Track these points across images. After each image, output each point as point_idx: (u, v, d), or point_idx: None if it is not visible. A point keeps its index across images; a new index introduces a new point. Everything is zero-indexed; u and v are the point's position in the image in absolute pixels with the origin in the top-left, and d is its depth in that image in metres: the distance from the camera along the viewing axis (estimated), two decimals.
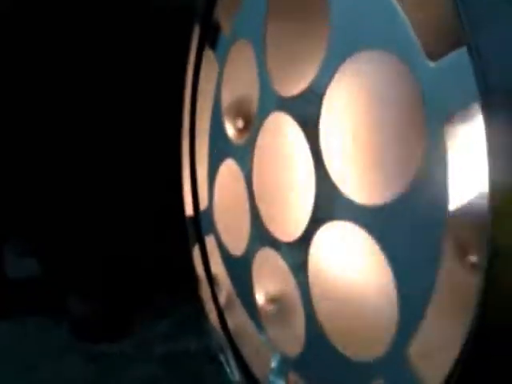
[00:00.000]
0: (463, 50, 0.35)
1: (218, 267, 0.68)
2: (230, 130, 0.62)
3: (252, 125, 0.58)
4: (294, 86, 0.49)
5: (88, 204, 0.95)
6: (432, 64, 0.37)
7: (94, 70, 0.89)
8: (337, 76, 0.44)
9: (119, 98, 0.90)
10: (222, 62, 0.63)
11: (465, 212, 0.37)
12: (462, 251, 0.37)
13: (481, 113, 0.34)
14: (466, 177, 0.37)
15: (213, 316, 0.69)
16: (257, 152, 0.56)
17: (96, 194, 0.95)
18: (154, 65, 0.89)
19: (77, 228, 0.96)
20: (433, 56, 0.37)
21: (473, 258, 0.37)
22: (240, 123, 0.61)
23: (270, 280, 0.58)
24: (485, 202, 0.34)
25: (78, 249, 0.97)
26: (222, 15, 0.63)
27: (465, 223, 0.37)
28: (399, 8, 0.39)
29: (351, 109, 0.44)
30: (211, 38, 0.65)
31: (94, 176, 0.94)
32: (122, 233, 0.98)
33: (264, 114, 0.54)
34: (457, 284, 0.38)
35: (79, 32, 0.89)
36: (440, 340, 0.39)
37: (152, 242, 0.98)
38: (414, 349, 0.40)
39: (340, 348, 0.47)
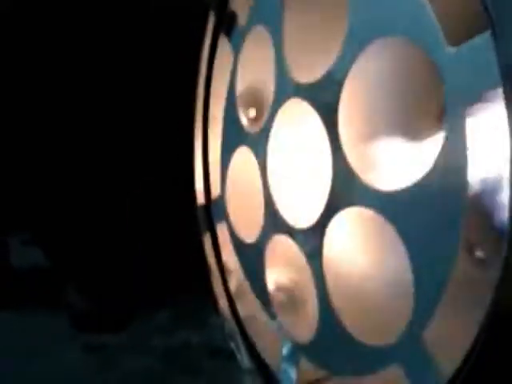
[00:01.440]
0: (486, 34, 0.35)
1: (229, 255, 0.68)
2: (244, 118, 0.62)
3: (266, 112, 0.58)
4: (312, 72, 0.49)
5: (92, 195, 0.95)
6: (453, 49, 0.37)
7: (102, 67, 0.90)
8: (356, 62, 0.44)
9: (133, 86, 0.90)
10: (237, 50, 0.63)
11: (482, 202, 0.37)
12: (470, 242, 0.37)
13: (503, 100, 0.34)
14: (486, 165, 0.37)
15: (223, 304, 0.69)
16: (272, 139, 0.56)
17: (100, 184, 0.95)
18: (168, 53, 0.89)
19: (80, 220, 0.96)
20: (454, 41, 0.37)
21: (478, 251, 0.37)
22: (253, 112, 0.61)
23: (282, 267, 0.58)
24: (504, 193, 0.34)
25: (80, 241, 0.98)
26: (238, 3, 0.63)
27: (480, 214, 0.37)
28: None
29: (370, 95, 0.44)
30: (226, 25, 0.65)
31: (99, 166, 0.94)
32: (123, 225, 0.98)
33: (280, 100, 0.54)
34: (469, 276, 0.38)
35: (90, 21, 0.89)
36: (455, 326, 0.39)
37: (154, 234, 0.98)
38: (430, 334, 0.40)
39: (354, 334, 0.47)
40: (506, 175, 0.34)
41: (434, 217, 0.40)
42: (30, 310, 0.97)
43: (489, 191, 0.36)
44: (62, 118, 0.92)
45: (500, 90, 0.34)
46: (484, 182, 0.37)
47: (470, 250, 0.37)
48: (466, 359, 0.37)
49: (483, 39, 0.35)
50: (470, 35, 0.36)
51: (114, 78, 0.90)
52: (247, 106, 0.62)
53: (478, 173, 0.37)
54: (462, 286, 0.38)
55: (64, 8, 0.88)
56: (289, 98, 0.53)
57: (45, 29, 0.88)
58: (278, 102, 0.55)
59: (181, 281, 0.95)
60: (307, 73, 0.50)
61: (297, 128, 0.52)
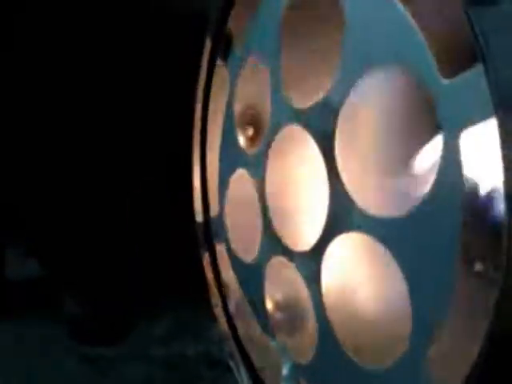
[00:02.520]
0: (478, 68, 0.36)
1: (228, 274, 0.69)
2: (242, 139, 0.63)
3: (264, 135, 0.58)
4: (309, 98, 0.50)
5: (90, 207, 0.95)
6: (446, 81, 0.38)
7: (102, 69, 0.90)
8: (352, 90, 0.45)
9: (128, 94, 0.90)
10: (234, 73, 0.64)
11: (479, 224, 0.38)
12: (473, 259, 0.38)
13: (496, 131, 0.35)
14: (481, 191, 0.38)
15: (223, 322, 0.69)
16: (270, 163, 0.57)
17: (99, 195, 0.95)
18: (165, 73, 0.90)
19: (78, 230, 0.96)
20: (447, 73, 0.38)
21: (479, 267, 0.38)
22: (251, 132, 0.62)
23: (281, 288, 0.58)
24: (500, 215, 0.35)
25: (78, 249, 0.98)
26: (234, 27, 0.64)
27: (478, 234, 0.38)
28: (414, 25, 0.40)
29: (366, 123, 0.45)
30: (223, 50, 0.66)
31: (96, 179, 0.95)
32: (122, 236, 0.98)
33: (277, 125, 0.55)
34: (469, 293, 0.39)
35: (89, 32, 0.89)
36: (455, 347, 0.40)
37: (151, 242, 0.99)
38: (429, 356, 0.41)
39: (353, 357, 0.48)
40: (501, 200, 0.35)
41: (431, 239, 0.41)
42: (27, 321, 0.97)
43: (485, 210, 0.37)
44: (60, 123, 0.92)
45: (493, 120, 0.35)
46: (480, 202, 0.38)
47: (469, 267, 0.38)
48: (468, 380, 0.38)
49: (476, 71, 0.36)
50: (462, 68, 0.37)
51: (113, 84, 0.90)
52: (245, 126, 0.63)
53: (472, 198, 0.38)
54: (463, 304, 0.39)
55: (63, 11, 0.88)
56: (285, 123, 0.54)
57: (44, 30, 0.89)
58: (275, 126, 0.55)
59: (179, 291, 0.95)
60: (304, 98, 0.51)
61: (294, 153, 0.53)
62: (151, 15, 0.91)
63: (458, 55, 0.37)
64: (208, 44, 0.66)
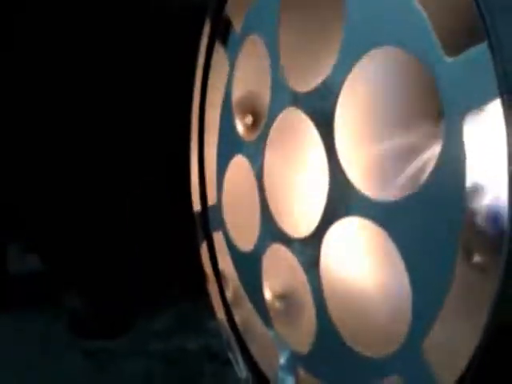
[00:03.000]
0: (483, 45, 0.35)
1: (225, 263, 0.68)
2: (240, 126, 0.62)
3: (263, 121, 0.58)
4: (308, 82, 0.49)
5: (90, 201, 0.95)
6: (450, 59, 0.37)
7: (101, 68, 0.90)
8: (352, 73, 0.44)
9: (128, 93, 0.90)
10: (232, 58, 0.63)
11: (480, 214, 0.37)
12: (469, 251, 0.37)
13: (500, 110, 0.34)
14: (484, 175, 0.37)
15: (220, 312, 0.69)
16: (268, 148, 0.56)
17: (98, 189, 0.95)
18: (164, 60, 0.89)
19: (78, 225, 0.96)
20: (451, 51, 0.37)
21: (477, 259, 0.37)
22: (249, 119, 0.61)
23: (279, 276, 0.58)
24: (504, 203, 0.34)
25: (78, 245, 0.97)
26: (233, 10, 0.63)
27: (479, 225, 0.37)
28: (417, 4, 0.39)
29: (366, 106, 0.44)
30: (222, 33, 0.65)
31: (96, 173, 0.94)
32: (122, 230, 0.98)
33: (276, 110, 0.54)
34: (468, 283, 0.38)
35: (86, 24, 0.89)
36: (455, 336, 0.39)
37: (151, 239, 0.98)
38: (428, 345, 0.40)
39: (352, 344, 0.47)
40: (505, 181, 0.34)
41: (431, 226, 0.40)
42: (28, 316, 0.96)
43: (487, 197, 0.36)
44: (60, 122, 0.92)
45: (497, 100, 0.34)
46: (482, 188, 0.37)
47: (469, 256, 0.37)
48: (467, 369, 0.37)
49: (480, 50, 0.35)
50: (467, 46, 0.36)
51: (112, 82, 0.90)
52: (244, 113, 0.62)
53: (476, 180, 0.37)
54: (462, 294, 0.38)
55: (62, 11, 0.88)
56: (285, 106, 0.53)
57: (44, 30, 0.88)
58: (274, 111, 0.54)
59: (179, 285, 0.95)
60: (303, 82, 0.50)
61: (293, 137, 0.52)
62: (149, 9, 0.90)
63: (463, 33, 0.36)
64: (207, 27, 0.65)
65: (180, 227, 0.76)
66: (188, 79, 0.70)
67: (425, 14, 0.38)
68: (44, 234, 1.00)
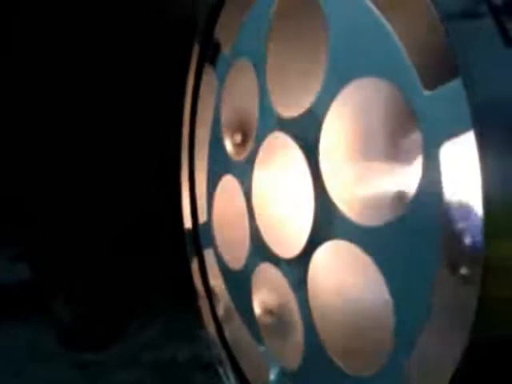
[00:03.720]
0: (458, 80, 0.36)
1: (216, 280, 0.69)
2: (229, 145, 0.64)
3: (251, 142, 0.59)
4: (294, 107, 0.50)
5: (81, 211, 0.96)
6: (428, 93, 0.39)
7: (94, 80, 0.90)
8: (336, 100, 0.46)
9: (118, 109, 0.91)
10: (221, 79, 0.64)
11: (459, 231, 0.38)
12: (453, 265, 0.39)
13: (474, 142, 0.35)
14: (461, 199, 0.38)
15: (211, 328, 0.70)
16: (256, 170, 0.57)
17: (88, 200, 0.95)
18: (154, 77, 0.90)
19: (68, 236, 0.96)
20: (429, 85, 0.39)
21: (463, 271, 0.38)
22: (238, 138, 0.62)
23: (269, 294, 0.59)
24: (478, 222, 0.36)
25: (68, 256, 0.98)
26: (222, 33, 0.65)
27: (459, 241, 0.38)
28: (396, 37, 0.41)
29: (351, 132, 0.45)
30: (211, 55, 0.66)
31: (87, 185, 0.95)
32: (112, 241, 0.98)
33: (263, 132, 0.56)
34: (451, 299, 0.39)
35: (83, 29, 0.90)
36: (437, 355, 0.40)
37: (142, 250, 0.99)
38: (412, 363, 0.42)
39: (339, 362, 0.48)
40: (479, 208, 0.36)
41: (413, 248, 0.42)
42: (17, 326, 0.96)
43: (464, 217, 0.38)
44: (53, 131, 0.92)
45: (471, 132, 0.36)
46: (459, 214, 0.38)
47: (454, 270, 0.39)
48: None
49: (455, 84, 0.37)
50: (443, 80, 0.38)
51: (104, 88, 0.91)
52: (232, 132, 0.63)
53: (453, 206, 0.39)
54: (445, 308, 0.40)
55: (61, 11, 0.88)
56: (272, 131, 0.54)
57: (43, 31, 0.89)
58: (262, 133, 0.56)
59: (169, 296, 0.95)
60: (289, 108, 0.51)
61: (280, 160, 0.54)
62: (141, 20, 0.91)
63: (439, 67, 0.38)
64: (196, 48, 0.67)
65: (172, 240, 0.77)
66: (178, 99, 0.71)
67: (404, 49, 0.40)
68: (33, 243, 1.00)
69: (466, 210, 0.38)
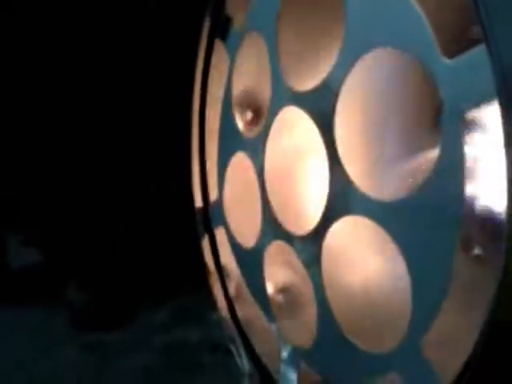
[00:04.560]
0: (481, 47, 0.35)
1: (227, 258, 0.69)
2: (241, 123, 0.63)
3: (263, 118, 0.58)
4: (308, 81, 0.49)
5: (90, 194, 0.95)
6: (449, 61, 0.37)
7: (102, 65, 0.90)
8: (352, 72, 0.44)
9: (130, 90, 0.90)
10: (232, 54, 0.63)
11: (479, 209, 0.37)
12: (469, 244, 0.38)
13: (498, 111, 0.34)
14: (482, 174, 0.37)
15: (223, 307, 0.69)
16: (269, 146, 0.56)
17: (98, 183, 0.95)
18: (164, 57, 0.89)
19: (78, 218, 0.96)
20: (450, 53, 0.37)
21: (478, 251, 0.37)
22: (249, 115, 0.61)
23: (281, 272, 0.58)
24: (501, 199, 0.35)
25: (78, 239, 0.98)
26: (232, 7, 0.63)
27: (478, 219, 0.37)
28: (416, 5, 0.39)
29: (366, 105, 0.44)
30: (222, 29, 0.65)
31: (97, 166, 0.95)
32: (122, 223, 0.98)
33: (276, 108, 0.54)
34: (468, 277, 0.38)
35: (86, 23, 0.89)
36: (454, 333, 0.40)
37: (153, 232, 0.99)
38: (429, 341, 0.41)
39: (353, 340, 0.48)
40: (503, 175, 0.35)
41: (430, 223, 0.41)
42: (29, 309, 0.97)
43: (485, 193, 0.37)
44: (60, 119, 0.92)
45: (495, 102, 0.35)
46: (480, 190, 0.37)
47: (468, 249, 0.38)
48: (466, 366, 0.38)
49: (478, 52, 0.35)
50: (465, 47, 0.36)
51: (113, 79, 0.90)
52: (244, 109, 0.62)
53: (474, 182, 0.38)
54: (462, 288, 0.39)
55: (60, 11, 0.88)
56: (285, 105, 0.53)
57: (43, 31, 0.88)
58: (274, 108, 0.55)
59: (180, 276, 0.95)
60: (303, 81, 0.50)
61: (293, 135, 0.53)
62: (149, 6, 0.90)
63: (461, 35, 0.36)
64: (206, 24, 0.65)
65: (183, 220, 0.76)
66: (188, 76, 0.70)
67: (423, 16, 0.39)
68: (43, 227, 1.00)
69: (488, 185, 0.37)
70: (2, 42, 0.89)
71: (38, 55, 0.89)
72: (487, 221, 0.37)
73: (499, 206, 0.35)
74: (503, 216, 0.35)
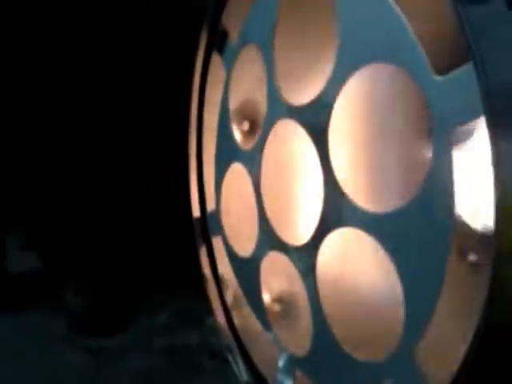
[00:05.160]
0: (469, 65, 0.36)
1: (224, 267, 0.69)
2: (238, 134, 0.64)
3: (259, 130, 0.59)
4: (303, 94, 0.50)
5: (90, 197, 0.96)
6: (439, 79, 0.39)
7: (102, 75, 0.90)
8: (346, 87, 0.46)
9: (128, 102, 0.91)
10: (229, 67, 0.64)
11: (470, 218, 0.38)
12: (463, 251, 0.39)
13: (486, 128, 0.35)
14: (472, 184, 0.38)
15: (220, 315, 0.70)
16: (265, 157, 0.57)
17: (98, 189, 0.96)
18: (162, 68, 0.90)
19: (77, 221, 0.97)
20: (440, 70, 0.39)
21: (473, 257, 0.38)
22: (246, 126, 0.62)
23: (277, 282, 0.59)
24: (490, 208, 0.36)
25: (77, 242, 0.98)
26: (229, 21, 0.64)
27: (470, 226, 0.38)
28: (407, 23, 0.41)
29: (360, 119, 0.45)
30: (219, 43, 0.66)
31: (97, 168, 0.95)
32: (122, 226, 0.98)
33: (272, 120, 0.55)
34: (461, 284, 0.39)
35: (87, 25, 0.90)
36: (447, 340, 0.40)
37: (153, 236, 0.99)
38: (422, 349, 0.42)
39: (348, 349, 0.49)
40: (490, 188, 0.36)
41: (423, 233, 0.42)
42: (29, 313, 0.97)
43: (475, 202, 0.38)
44: (60, 121, 0.92)
45: (482, 119, 0.36)
46: (470, 200, 0.38)
47: (463, 256, 0.39)
48: (459, 374, 0.39)
49: (467, 70, 0.36)
50: (454, 65, 0.37)
51: (111, 85, 0.91)
52: (241, 120, 0.63)
53: (464, 192, 0.39)
54: (454, 295, 0.40)
55: (60, 11, 0.88)
56: (280, 118, 0.54)
57: (43, 31, 0.89)
58: (270, 121, 0.56)
59: (179, 281, 0.95)
60: (298, 95, 0.51)
61: (289, 148, 0.54)
62: (148, 10, 0.91)
63: (451, 52, 0.38)
64: (203, 37, 0.66)
65: (183, 224, 0.77)
66: (186, 81, 0.71)
67: (415, 35, 0.40)
68: (43, 231, 1.01)
69: (477, 196, 0.38)
70: (1, 42, 0.89)
71: (37, 55, 0.90)
72: (479, 229, 0.38)
73: (489, 216, 0.36)
74: (494, 224, 0.36)
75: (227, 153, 0.65)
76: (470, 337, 0.37)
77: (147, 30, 0.90)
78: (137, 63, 0.91)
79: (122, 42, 0.90)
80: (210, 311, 0.71)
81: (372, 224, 0.45)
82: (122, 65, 0.91)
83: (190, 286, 0.76)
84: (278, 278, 0.59)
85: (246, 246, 0.62)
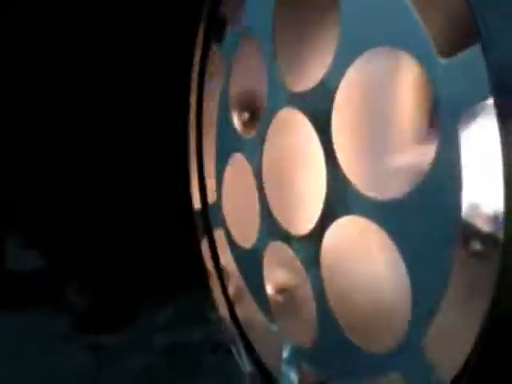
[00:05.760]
0: (477, 47, 0.35)
1: (227, 259, 0.69)
2: (238, 124, 0.63)
3: (260, 119, 0.58)
4: (305, 81, 0.49)
5: (90, 196, 0.95)
6: (445, 61, 0.38)
7: (102, 66, 0.90)
8: (348, 73, 0.45)
9: (127, 92, 0.90)
10: (228, 57, 0.63)
11: (477, 203, 0.37)
12: (470, 239, 0.38)
13: (494, 110, 0.34)
14: (479, 172, 0.37)
15: (223, 308, 0.70)
16: (266, 146, 0.56)
17: (98, 186, 0.95)
18: (160, 60, 0.89)
19: (78, 220, 0.96)
20: (446, 53, 0.38)
21: (478, 247, 0.38)
22: (247, 116, 0.62)
23: (280, 272, 0.58)
24: (498, 196, 0.35)
25: (78, 240, 0.98)
26: (228, 10, 0.63)
27: (477, 213, 0.37)
28: (411, 5, 0.40)
29: (363, 105, 0.44)
30: (217, 32, 0.65)
31: (97, 169, 0.95)
32: (122, 224, 0.98)
33: (273, 109, 0.55)
34: (468, 274, 0.39)
35: (84, 22, 0.89)
36: (454, 330, 0.40)
37: (153, 234, 0.99)
38: (429, 340, 0.41)
39: (354, 340, 0.48)
40: (500, 173, 0.35)
41: (428, 221, 0.41)
42: (30, 312, 0.97)
43: (482, 190, 0.37)
44: (59, 120, 0.92)
45: (491, 102, 0.35)
46: (477, 188, 0.38)
47: (468, 245, 0.38)
48: (466, 364, 0.38)
49: (474, 51, 0.36)
50: (461, 47, 0.36)
51: (110, 83, 0.90)
52: (241, 110, 0.63)
53: (471, 179, 0.38)
54: (461, 286, 0.39)
55: (60, 11, 0.88)
56: (282, 106, 0.53)
57: (43, 31, 0.89)
58: (272, 110, 0.55)
59: (180, 278, 0.95)
60: (300, 82, 0.50)
61: (291, 136, 0.53)
62: (147, 9, 0.90)
63: (457, 34, 0.37)
64: (202, 27, 0.65)
65: (183, 221, 0.76)
66: (186, 76, 0.70)
67: (419, 17, 0.39)
68: (44, 229, 1.00)
69: (484, 183, 0.37)
70: (1, 42, 0.89)
71: (37, 55, 0.89)
72: (486, 217, 0.37)
73: (497, 203, 0.36)
74: (501, 212, 0.35)
75: (228, 143, 0.65)
76: (477, 326, 0.37)
77: (147, 30, 0.90)
78: (134, 59, 0.90)
79: (120, 38, 0.90)
80: (211, 308, 0.71)
81: (377, 212, 0.44)
82: (120, 63, 0.90)
83: (191, 285, 0.76)
84: (281, 268, 0.58)
85: (248, 238, 0.62)
